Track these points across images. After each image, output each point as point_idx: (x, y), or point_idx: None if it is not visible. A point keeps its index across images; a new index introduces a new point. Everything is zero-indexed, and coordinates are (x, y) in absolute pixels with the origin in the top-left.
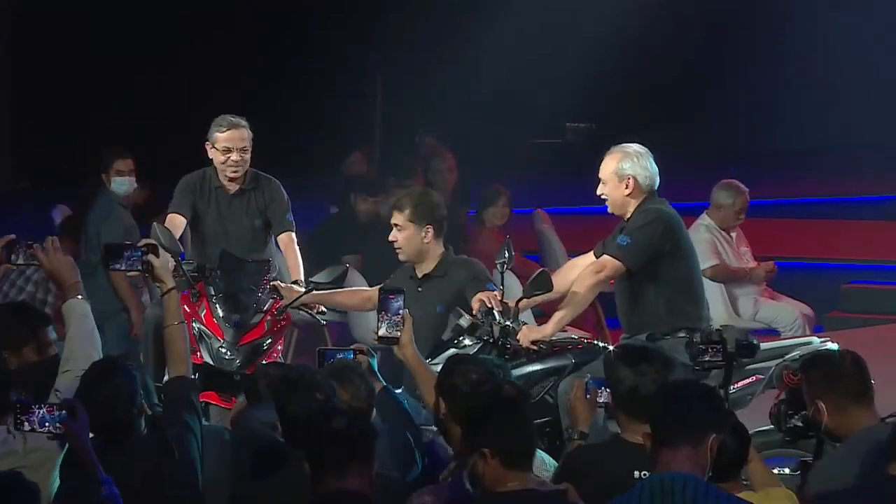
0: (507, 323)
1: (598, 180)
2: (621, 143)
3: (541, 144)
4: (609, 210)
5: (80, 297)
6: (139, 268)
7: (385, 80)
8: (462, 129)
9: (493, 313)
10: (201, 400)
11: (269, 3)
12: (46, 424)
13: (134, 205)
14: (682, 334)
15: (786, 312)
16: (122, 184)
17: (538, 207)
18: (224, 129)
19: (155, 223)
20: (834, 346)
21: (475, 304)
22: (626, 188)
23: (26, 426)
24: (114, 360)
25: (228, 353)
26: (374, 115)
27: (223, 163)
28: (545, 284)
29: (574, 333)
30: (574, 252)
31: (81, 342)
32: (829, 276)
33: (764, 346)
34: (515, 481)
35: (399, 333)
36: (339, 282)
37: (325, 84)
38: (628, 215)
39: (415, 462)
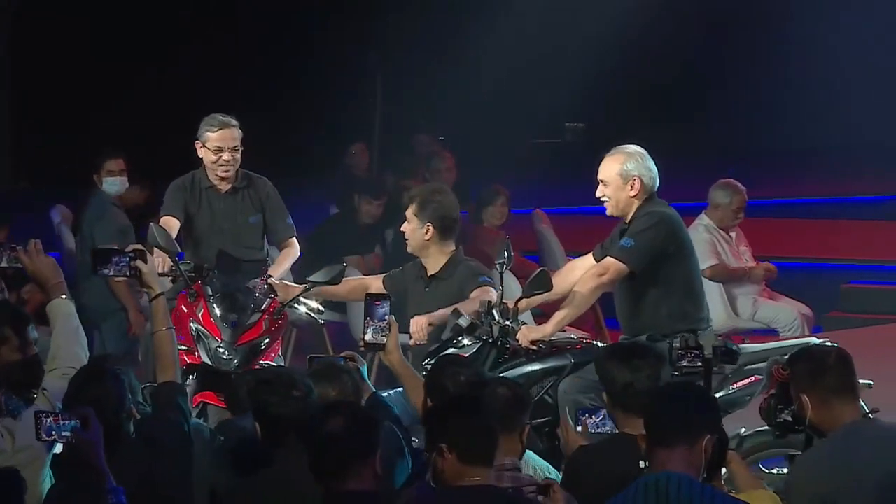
0: (507, 323)
1: (598, 181)
2: (621, 143)
3: (540, 144)
4: (608, 212)
5: (63, 296)
6: (128, 273)
7: (385, 80)
8: (462, 129)
9: (493, 313)
10: (199, 400)
11: (269, 3)
12: (53, 433)
13: (134, 205)
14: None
15: (785, 312)
16: (114, 184)
17: (537, 207)
18: (215, 129)
19: (152, 223)
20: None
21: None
22: (632, 189)
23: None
24: (101, 364)
25: (226, 352)
26: (374, 115)
27: (214, 162)
28: (545, 284)
29: (573, 334)
30: (573, 252)
31: (67, 340)
32: (829, 276)
33: (763, 346)
34: (476, 477)
35: (385, 339)
36: (336, 281)
37: (325, 84)
38: (629, 217)
39: (406, 468)
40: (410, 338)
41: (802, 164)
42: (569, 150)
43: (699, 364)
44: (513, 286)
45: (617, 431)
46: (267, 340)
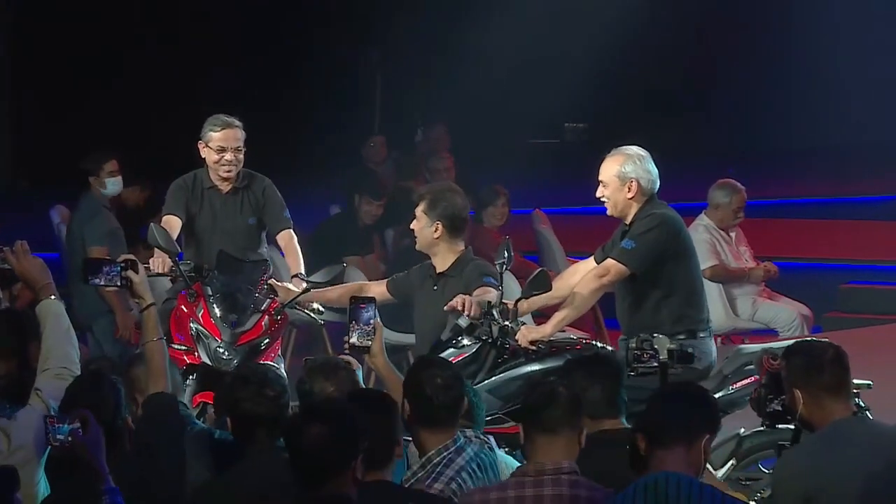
0: (506, 323)
1: (598, 182)
2: (620, 143)
3: (540, 144)
4: (609, 213)
5: (53, 297)
6: (118, 283)
7: (385, 80)
8: (461, 129)
9: (493, 313)
10: (199, 400)
11: (269, 3)
12: (59, 437)
13: (134, 205)
14: (681, 337)
15: (784, 313)
16: (116, 183)
17: (537, 208)
18: (218, 129)
19: (152, 223)
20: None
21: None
22: (629, 191)
23: None
24: (98, 371)
25: (226, 353)
26: (373, 115)
27: (217, 162)
28: (544, 284)
29: (573, 334)
30: (573, 252)
31: (58, 340)
32: (828, 277)
33: (762, 346)
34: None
35: (370, 342)
36: (336, 282)
37: (325, 84)
38: (629, 218)
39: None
40: (464, 312)
41: (802, 164)
42: (569, 151)
43: (655, 365)
44: (513, 287)
45: None
46: (267, 341)
